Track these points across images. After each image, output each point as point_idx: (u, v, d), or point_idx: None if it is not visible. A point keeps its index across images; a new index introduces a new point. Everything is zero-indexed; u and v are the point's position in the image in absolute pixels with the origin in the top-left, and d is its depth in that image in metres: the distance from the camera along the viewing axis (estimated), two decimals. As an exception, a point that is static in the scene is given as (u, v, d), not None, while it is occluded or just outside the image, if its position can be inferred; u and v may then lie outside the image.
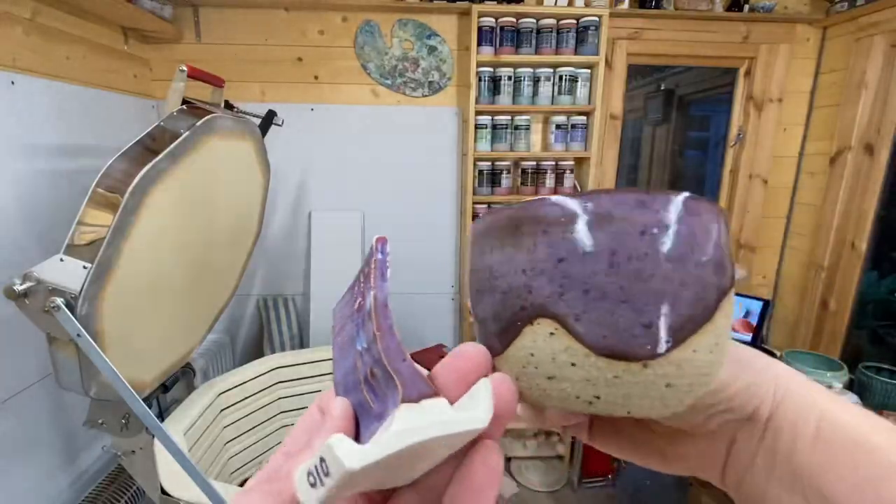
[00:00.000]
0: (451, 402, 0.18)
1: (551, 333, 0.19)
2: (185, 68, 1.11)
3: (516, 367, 0.20)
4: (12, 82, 1.27)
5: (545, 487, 2.22)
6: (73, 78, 1.49)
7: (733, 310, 0.20)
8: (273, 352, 2.04)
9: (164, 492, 1.07)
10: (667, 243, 0.18)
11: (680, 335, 0.18)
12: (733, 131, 2.25)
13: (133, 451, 1.23)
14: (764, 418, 0.23)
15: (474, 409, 0.17)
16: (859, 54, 1.91)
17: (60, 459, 1.45)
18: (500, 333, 0.21)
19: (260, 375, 1.63)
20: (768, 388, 0.23)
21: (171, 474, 1.08)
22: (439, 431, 0.15)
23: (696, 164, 2.93)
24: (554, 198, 0.19)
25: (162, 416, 1.39)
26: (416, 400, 0.17)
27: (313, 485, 0.15)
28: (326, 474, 0.15)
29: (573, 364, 0.19)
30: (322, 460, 0.15)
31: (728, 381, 0.23)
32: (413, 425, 0.15)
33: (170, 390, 1.36)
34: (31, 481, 1.34)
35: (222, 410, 1.51)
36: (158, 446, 1.11)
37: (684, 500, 1.96)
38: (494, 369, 0.21)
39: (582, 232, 0.18)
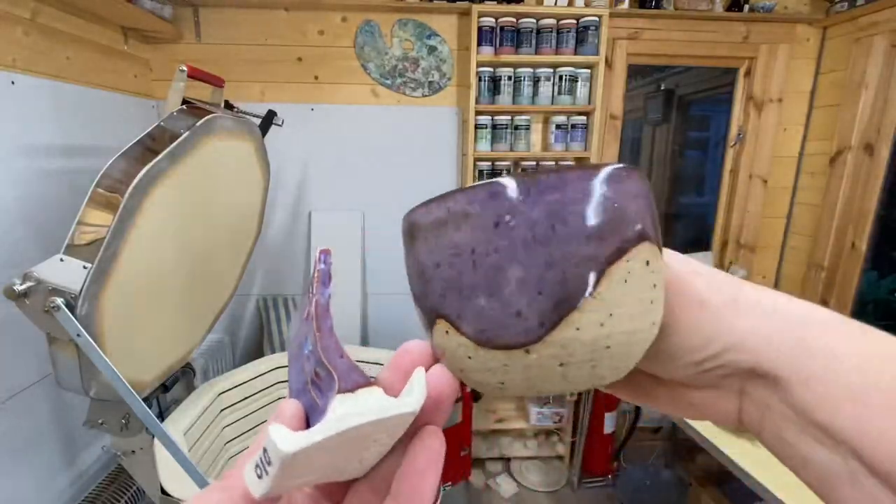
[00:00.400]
0: (396, 394, 0.19)
1: (447, 332, 0.20)
2: (185, 68, 1.11)
3: (441, 360, 0.21)
4: (12, 82, 1.27)
5: (545, 487, 2.22)
6: (73, 78, 1.49)
7: (639, 276, 0.19)
8: (273, 352, 2.04)
9: (164, 492, 1.07)
10: (521, 228, 0.18)
11: (552, 317, 0.18)
12: (733, 131, 2.25)
13: (133, 451, 1.23)
14: (770, 373, 0.21)
15: (408, 396, 0.19)
16: (859, 54, 1.91)
17: (60, 459, 1.45)
18: (426, 332, 0.22)
19: (260, 375, 1.63)
20: (769, 343, 0.21)
21: (171, 474, 1.08)
22: (371, 417, 0.17)
23: (696, 164, 2.93)
24: (428, 202, 0.19)
25: (162, 416, 1.39)
26: (352, 390, 0.18)
27: (259, 476, 0.16)
28: (269, 463, 0.16)
29: (469, 357, 0.19)
30: (265, 450, 0.16)
31: (706, 340, 0.22)
32: (347, 412, 0.17)
33: (170, 390, 1.36)
34: (31, 481, 1.34)
35: (222, 410, 1.51)
36: (158, 446, 1.11)
37: (684, 500, 1.96)
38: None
39: (447, 235, 0.19)
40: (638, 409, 2.17)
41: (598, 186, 0.18)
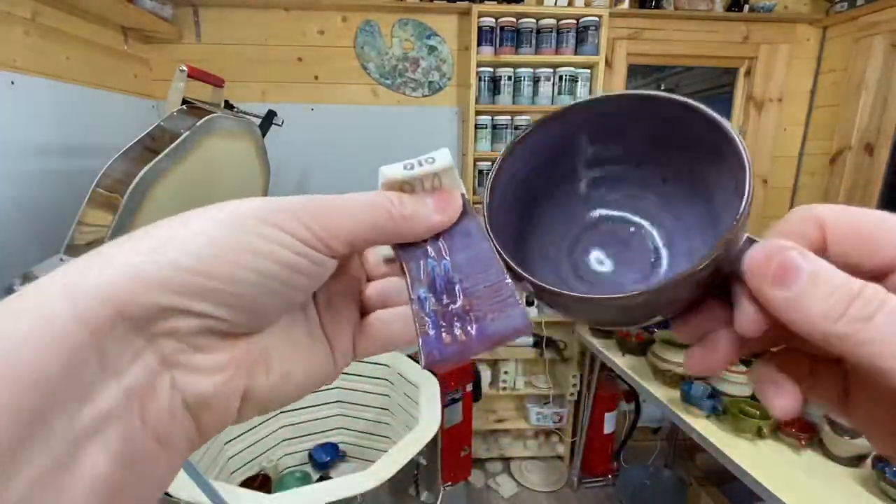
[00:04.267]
0: None
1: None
2: (185, 68, 1.11)
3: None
4: (12, 82, 1.27)
5: (545, 487, 2.22)
6: (73, 78, 1.49)
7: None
8: (273, 352, 2.03)
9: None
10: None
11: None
12: (733, 131, 2.25)
13: (133, 451, 1.23)
14: None
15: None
16: (859, 54, 1.91)
17: (60, 459, 1.44)
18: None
19: (260, 375, 1.62)
20: None
21: (171, 474, 1.08)
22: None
23: (696, 164, 2.92)
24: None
25: (162, 416, 1.39)
26: None
27: (408, 168, 0.23)
28: (430, 162, 0.24)
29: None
30: (431, 159, 0.24)
31: None
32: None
33: (170, 390, 1.36)
34: (31, 481, 1.33)
35: (222, 410, 1.51)
36: (158, 446, 1.11)
37: (684, 500, 1.96)
38: None
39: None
40: (638, 408, 2.17)
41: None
